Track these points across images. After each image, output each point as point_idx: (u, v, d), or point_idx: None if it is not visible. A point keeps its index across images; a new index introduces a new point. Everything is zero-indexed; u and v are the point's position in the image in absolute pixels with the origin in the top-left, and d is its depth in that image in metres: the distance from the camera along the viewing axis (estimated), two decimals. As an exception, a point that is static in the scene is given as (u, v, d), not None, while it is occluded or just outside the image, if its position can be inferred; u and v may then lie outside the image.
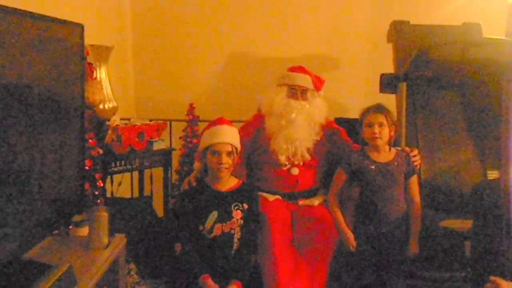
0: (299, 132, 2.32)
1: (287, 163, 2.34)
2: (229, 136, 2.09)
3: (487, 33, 2.83)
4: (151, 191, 2.96)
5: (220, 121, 2.14)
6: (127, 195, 2.95)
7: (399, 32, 2.82)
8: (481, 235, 2.02)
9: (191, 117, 2.81)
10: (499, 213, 1.95)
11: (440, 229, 2.25)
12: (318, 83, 2.39)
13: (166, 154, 2.77)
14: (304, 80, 2.38)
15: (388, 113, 2.17)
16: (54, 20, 1.59)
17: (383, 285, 2.17)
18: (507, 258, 1.85)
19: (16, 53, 1.38)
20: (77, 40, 1.76)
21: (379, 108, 2.17)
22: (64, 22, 1.66)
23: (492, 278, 1.55)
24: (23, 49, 1.42)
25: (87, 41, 1.94)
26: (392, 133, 2.18)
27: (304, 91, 2.38)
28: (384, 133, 2.14)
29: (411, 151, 2.25)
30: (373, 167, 2.16)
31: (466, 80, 2.62)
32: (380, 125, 2.14)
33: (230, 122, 2.17)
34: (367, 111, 2.19)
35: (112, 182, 2.69)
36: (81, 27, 1.77)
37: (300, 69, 2.42)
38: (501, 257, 1.87)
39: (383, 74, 2.64)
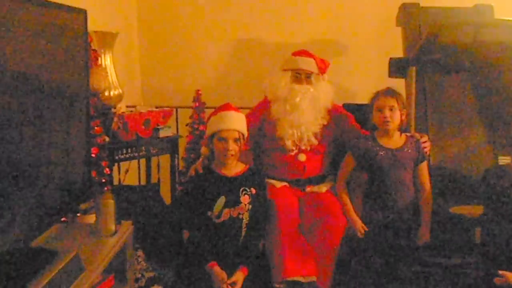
0: (304, 116, 2.30)
1: (293, 148, 2.32)
2: (236, 123, 2.07)
3: (499, 15, 2.76)
4: (158, 178, 2.96)
5: (226, 107, 2.12)
6: (135, 182, 2.96)
7: (408, 15, 2.76)
8: (492, 221, 1.99)
9: (197, 104, 2.78)
10: (510, 199, 1.92)
11: (450, 215, 2.22)
12: (322, 66, 2.36)
13: (173, 141, 2.76)
14: (308, 64, 2.35)
15: (399, 97, 2.13)
16: (55, 5, 1.57)
17: (392, 271, 2.16)
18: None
19: (18, 40, 1.36)
20: (80, 26, 1.73)
21: (390, 92, 2.13)
22: (66, 7, 1.63)
23: (500, 272, 1.54)
24: (25, 36, 1.40)
25: (91, 27, 1.91)
26: (403, 117, 2.14)
27: (308, 75, 2.35)
28: (395, 117, 2.10)
29: (421, 137, 2.21)
30: (382, 153, 2.12)
31: (477, 64, 2.56)
32: (391, 109, 2.10)
33: (237, 108, 2.15)
34: (377, 95, 2.15)
35: (119, 169, 2.69)
36: (84, 12, 1.74)
37: (304, 53, 2.39)
38: (512, 243, 1.84)
39: (392, 58, 2.58)
